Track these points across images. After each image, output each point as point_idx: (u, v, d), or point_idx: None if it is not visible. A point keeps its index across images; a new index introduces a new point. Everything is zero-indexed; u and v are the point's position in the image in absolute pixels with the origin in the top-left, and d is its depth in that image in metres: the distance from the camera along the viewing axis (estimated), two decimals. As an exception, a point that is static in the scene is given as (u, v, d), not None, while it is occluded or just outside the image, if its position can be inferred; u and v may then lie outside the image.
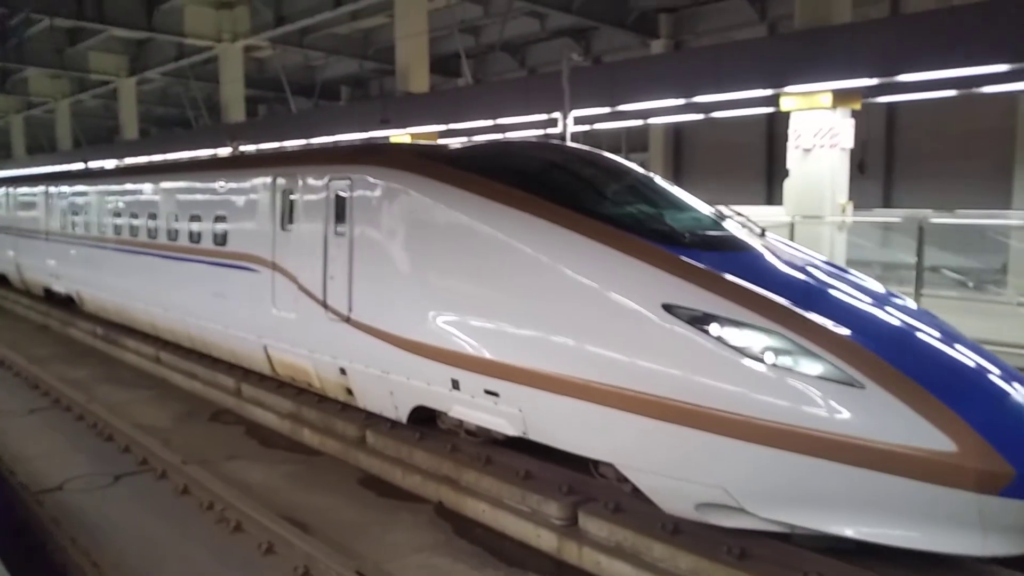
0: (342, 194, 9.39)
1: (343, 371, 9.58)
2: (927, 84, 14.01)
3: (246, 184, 11.58)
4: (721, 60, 16.44)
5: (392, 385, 8.85)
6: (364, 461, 9.69)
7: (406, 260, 8.59)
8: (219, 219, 11.94)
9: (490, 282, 7.60)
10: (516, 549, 7.54)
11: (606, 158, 9.31)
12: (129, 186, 15.82)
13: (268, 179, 10.92)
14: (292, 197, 10.41)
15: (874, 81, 14.10)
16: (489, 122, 20.62)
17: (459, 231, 7.88)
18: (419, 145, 10.10)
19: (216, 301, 12.09)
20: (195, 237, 12.69)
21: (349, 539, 7.53)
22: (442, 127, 22.14)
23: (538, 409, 7.33)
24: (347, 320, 9.13)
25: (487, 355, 7.55)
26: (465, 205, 7.89)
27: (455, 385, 7.94)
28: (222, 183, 12.05)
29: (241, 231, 11.44)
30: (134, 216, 15.22)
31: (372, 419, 10.13)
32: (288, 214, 10.44)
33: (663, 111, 18.38)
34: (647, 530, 6.99)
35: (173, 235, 13.56)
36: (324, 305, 9.49)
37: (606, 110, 18.17)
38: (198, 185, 12.98)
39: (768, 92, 15.35)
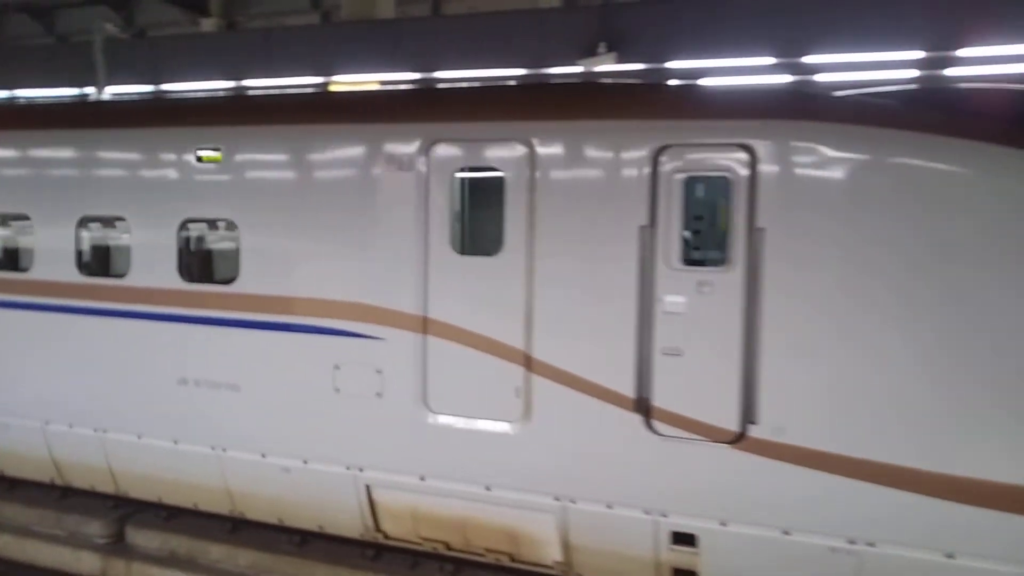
0: (711, 178, 5.22)
1: (686, 540, 5.39)
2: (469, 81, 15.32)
3: (310, 155, 6.14)
4: (271, 45, 16.21)
5: None
6: None
7: None
8: (236, 229, 6.36)
9: None
10: (50, 579, 6.74)
11: None
12: None
13: (404, 148, 5.83)
14: (488, 183, 5.85)
15: (417, 75, 15.03)
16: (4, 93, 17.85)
17: None
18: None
19: (197, 396, 6.49)
20: (163, 268, 6.61)
21: None
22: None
23: None
24: (735, 439, 5.06)
25: None
26: None
27: None
28: (239, 155, 6.34)
29: (303, 257, 6.16)
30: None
31: None
32: (479, 225, 6.11)
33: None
34: (204, 533, 6.72)
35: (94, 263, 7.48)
36: (641, 408, 5.26)
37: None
38: (173, 158, 6.59)
39: (319, 80, 15.52)
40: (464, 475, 5.80)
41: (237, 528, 6.72)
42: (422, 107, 6.18)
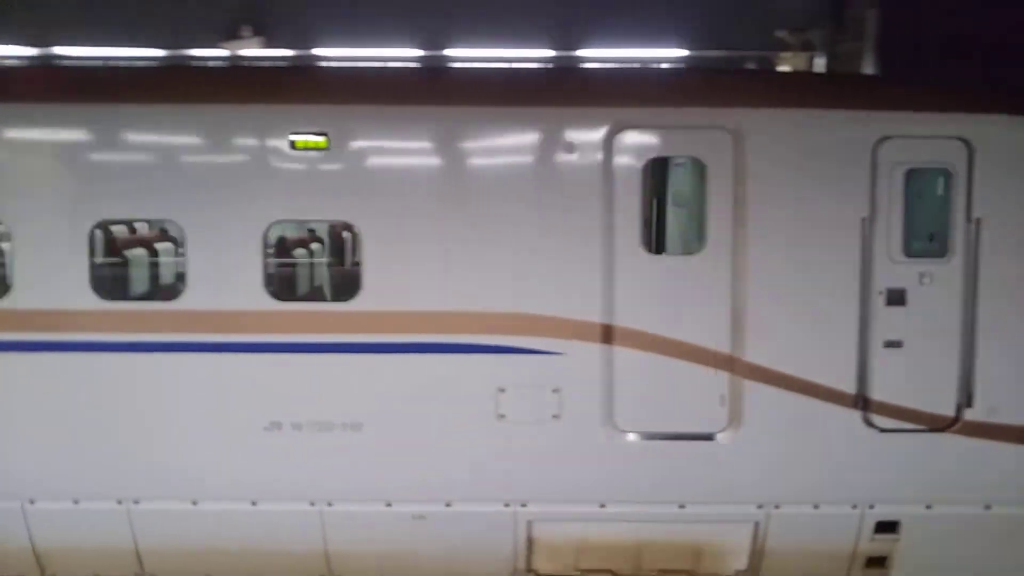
0: (932, 170, 5.12)
1: (888, 528, 5.38)
2: None
3: (464, 143, 5.24)
4: None
5: None
6: None
7: None
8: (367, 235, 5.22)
9: None
10: None
11: None
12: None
13: (588, 135, 5.10)
14: (686, 175, 5.41)
15: (30, 51, 13.42)
16: None
17: None
18: None
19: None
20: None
21: None
22: None
23: None
24: (950, 424, 5.20)
25: None
26: None
27: None
28: (356, 141, 5.20)
29: (454, 264, 5.20)
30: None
31: None
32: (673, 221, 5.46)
33: None
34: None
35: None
36: (858, 403, 5.20)
37: None
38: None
39: None
40: (655, 496, 5.33)
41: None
42: (609, 89, 5.55)
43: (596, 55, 13.52)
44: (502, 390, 5.21)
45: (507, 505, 5.40)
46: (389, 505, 5.41)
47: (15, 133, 5.34)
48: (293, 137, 5.15)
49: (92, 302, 5.22)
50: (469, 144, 5.29)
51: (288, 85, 5.72)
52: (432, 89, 5.64)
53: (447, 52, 13.00)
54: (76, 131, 5.34)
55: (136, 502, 5.42)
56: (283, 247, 6.91)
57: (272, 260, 5.41)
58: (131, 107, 5.27)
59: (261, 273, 5.18)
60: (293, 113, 5.21)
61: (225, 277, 5.18)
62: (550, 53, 13.42)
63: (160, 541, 5.52)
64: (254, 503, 5.41)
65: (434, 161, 5.33)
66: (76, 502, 5.44)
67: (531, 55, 13.11)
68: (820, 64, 13.37)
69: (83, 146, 5.33)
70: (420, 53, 12.94)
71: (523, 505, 5.40)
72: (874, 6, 12.04)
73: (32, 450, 5.36)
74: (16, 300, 5.23)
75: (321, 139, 5.17)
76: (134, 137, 5.30)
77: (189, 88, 5.51)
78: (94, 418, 5.31)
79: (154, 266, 6.73)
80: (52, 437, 5.34)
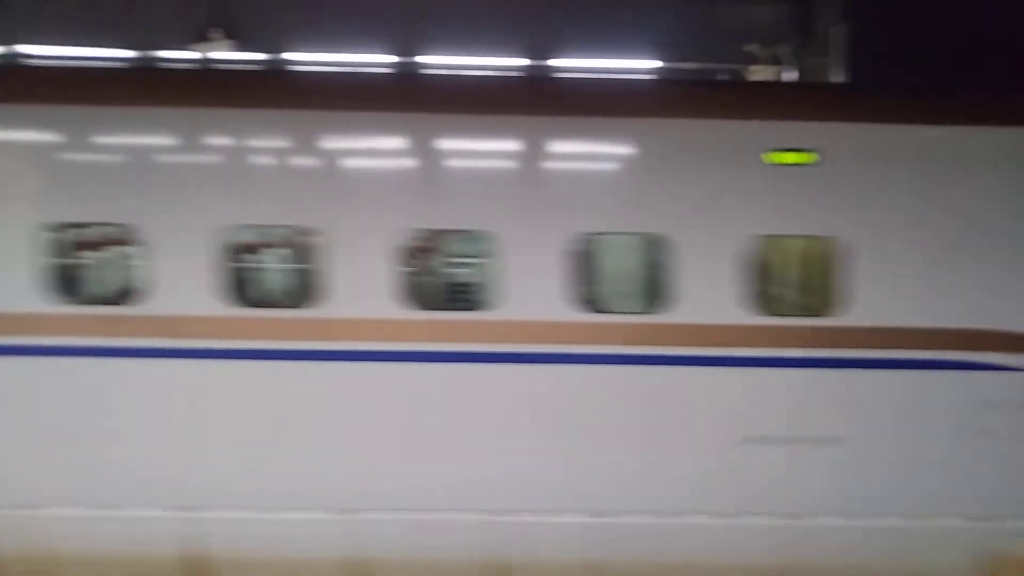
0: None
1: None
2: None
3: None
4: None
5: None
6: None
7: None
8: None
9: None
10: None
11: None
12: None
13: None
14: None
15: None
16: None
17: None
18: None
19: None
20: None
21: None
22: None
23: None
24: None
25: None
26: None
27: None
28: (850, 157, 5.55)
29: (933, 278, 5.55)
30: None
31: None
32: None
33: None
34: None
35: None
36: None
37: None
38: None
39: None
40: None
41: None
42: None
43: (569, 65, 13.54)
44: (984, 406, 5.49)
45: (970, 520, 5.66)
46: (847, 518, 5.63)
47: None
48: (771, 152, 5.46)
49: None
50: (943, 162, 5.56)
51: (773, 101, 5.98)
52: (907, 111, 5.83)
53: (420, 59, 12.93)
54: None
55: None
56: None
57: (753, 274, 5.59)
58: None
59: (736, 287, 5.47)
60: (775, 129, 5.51)
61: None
62: (522, 62, 13.40)
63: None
64: (724, 516, 5.63)
65: (908, 179, 5.53)
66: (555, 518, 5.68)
67: (501, 63, 13.07)
68: (790, 78, 13.50)
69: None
70: (393, 59, 12.86)
71: (986, 520, 5.67)
72: (841, 22, 12.17)
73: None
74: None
75: (809, 155, 5.42)
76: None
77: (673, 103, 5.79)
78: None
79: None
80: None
